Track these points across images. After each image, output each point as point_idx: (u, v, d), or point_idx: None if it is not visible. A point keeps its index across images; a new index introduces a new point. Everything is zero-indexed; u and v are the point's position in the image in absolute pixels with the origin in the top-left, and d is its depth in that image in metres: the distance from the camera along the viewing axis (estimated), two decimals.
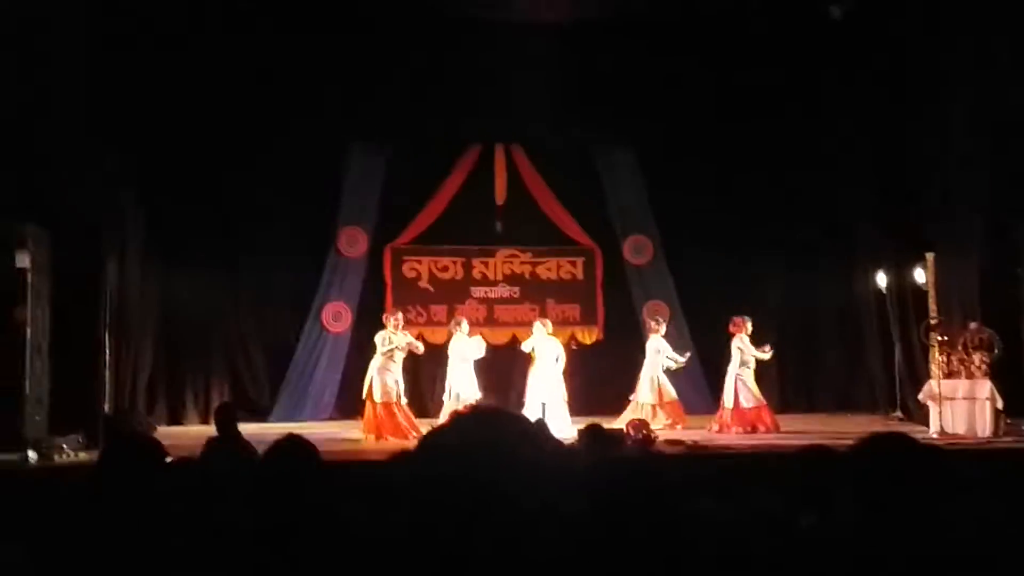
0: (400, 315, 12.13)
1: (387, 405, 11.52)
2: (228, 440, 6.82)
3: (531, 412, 11.17)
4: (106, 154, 11.35)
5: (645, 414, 12.15)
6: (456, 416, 1.48)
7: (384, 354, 11.65)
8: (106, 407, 11.46)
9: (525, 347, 12.45)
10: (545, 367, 12.08)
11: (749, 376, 11.97)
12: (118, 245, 12.46)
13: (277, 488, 3.15)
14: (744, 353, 11.97)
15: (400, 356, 11.75)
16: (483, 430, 1.42)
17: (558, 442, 1.47)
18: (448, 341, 12.53)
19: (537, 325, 12.40)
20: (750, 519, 3.51)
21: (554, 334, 12.53)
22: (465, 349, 12.12)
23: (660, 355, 12.55)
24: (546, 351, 12.17)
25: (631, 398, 12.63)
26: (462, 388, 11.88)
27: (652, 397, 12.47)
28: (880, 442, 2.63)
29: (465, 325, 12.35)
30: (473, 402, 11.08)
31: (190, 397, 14.18)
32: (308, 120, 13.65)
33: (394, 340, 11.68)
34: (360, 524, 2.44)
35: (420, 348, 12.08)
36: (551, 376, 12.05)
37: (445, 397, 12.09)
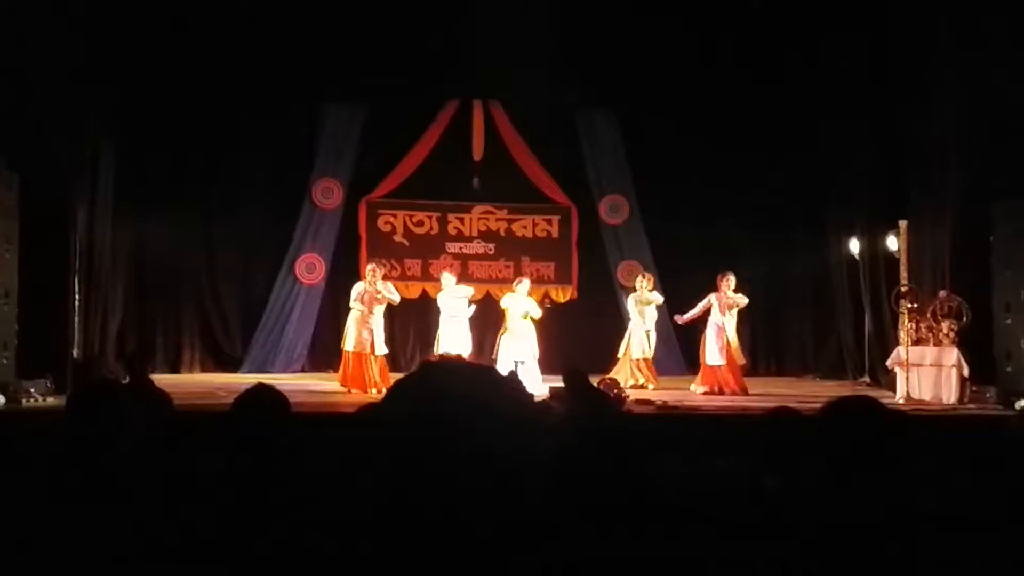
0: (376, 268, 11.91)
1: (358, 356, 11.48)
2: (134, 387, 6.42)
3: (504, 369, 11.19)
4: (80, 100, 11.18)
5: (629, 370, 12.29)
6: (424, 366, 1.47)
7: (357, 307, 11.57)
8: (75, 353, 11.40)
9: (504, 302, 12.45)
10: (519, 325, 12.07)
11: (719, 333, 11.98)
12: (89, 191, 12.31)
13: (246, 437, 3.15)
14: (717, 310, 12.02)
15: (380, 308, 11.67)
16: (450, 380, 1.42)
17: (529, 395, 1.47)
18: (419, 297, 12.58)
19: (526, 283, 12.37)
20: (715, 479, 3.56)
21: (528, 293, 12.54)
22: (452, 305, 12.14)
23: (643, 312, 12.64)
24: (520, 309, 12.16)
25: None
26: (451, 346, 11.89)
27: (641, 352, 12.59)
28: (846, 406, 2.65)
29: (447, 278, 12.37)
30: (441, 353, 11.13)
31: (161, 346, 14.10)
32: (286, 71, 13.49)
33: (370, 291, 11.57)
34: (328, 474, 2.44)
35: (396, 298, 11.98)
36: (526, 334, 12.04)
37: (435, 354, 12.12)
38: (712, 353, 11.98)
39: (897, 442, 2.55)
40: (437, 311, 12.42)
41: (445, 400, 1.37)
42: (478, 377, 1.43)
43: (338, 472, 2.24)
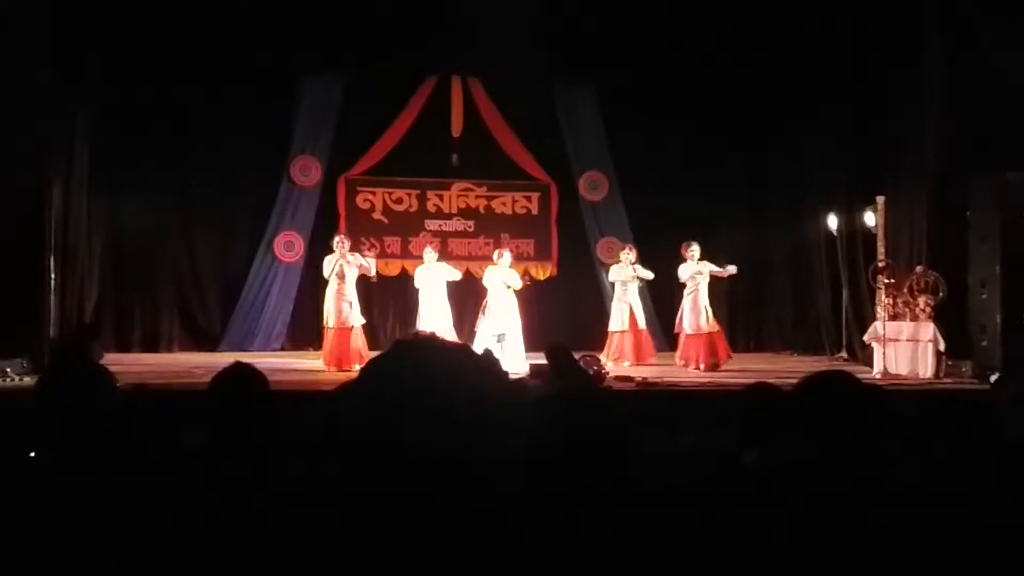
0: (344, 239, 11.85)
1: (340, 331, 11.46)
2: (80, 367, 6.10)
3: (485, 342, 11.33)
4: (56, 76, 11.05)
5: (617, 343, 12.44)
6: (396, 344, 1.47)
7: (334, 280, 11.54)
8: (51, 332, 11.31)
9: (485, 278, 12.46)
10: (500, 299, 12.06)
11: (689, 302, 12.09)
12: (65, 168, 12.19)
13: (224, 415, 3.14)
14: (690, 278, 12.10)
15: (353, 279, 11.61)
16: (423, 358, 1.41)
17: (504, 373, 1.46)
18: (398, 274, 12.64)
19: (507, 255, 12.33)
20: (694, 455, 3.58)
21: (510, 266, 12.56)
22: (429, 279, 12.17)
23: (628, 283, 12.68)
24: (500, 279, 12.16)
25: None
26: (431, 321, 11.92)
27: (620, 324, 12.63)
28: (822, 380, 2.67)
29: (429, 254, 12.45)
30: (416, 331, 11.15)
31: (138, 324, 14.02)
32: (264, 46, 13.38)
33: (344, 264, 11.55)
34: (303, 452, 2.44)
35: (372, 270, 11.96)
36: (507, 308, 12.04)
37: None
38: (686, 323, 12.07)
39: (873, 416, 2.57)
40: (417, 288, 12.42)
41: (417, 379, 1.37)
42: (451, 355, 1.42)
43: (313, 452, 2.24)
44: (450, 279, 12.30)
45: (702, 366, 11.82)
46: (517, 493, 1.43)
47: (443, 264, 12.52)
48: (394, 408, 1.35)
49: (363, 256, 11.94)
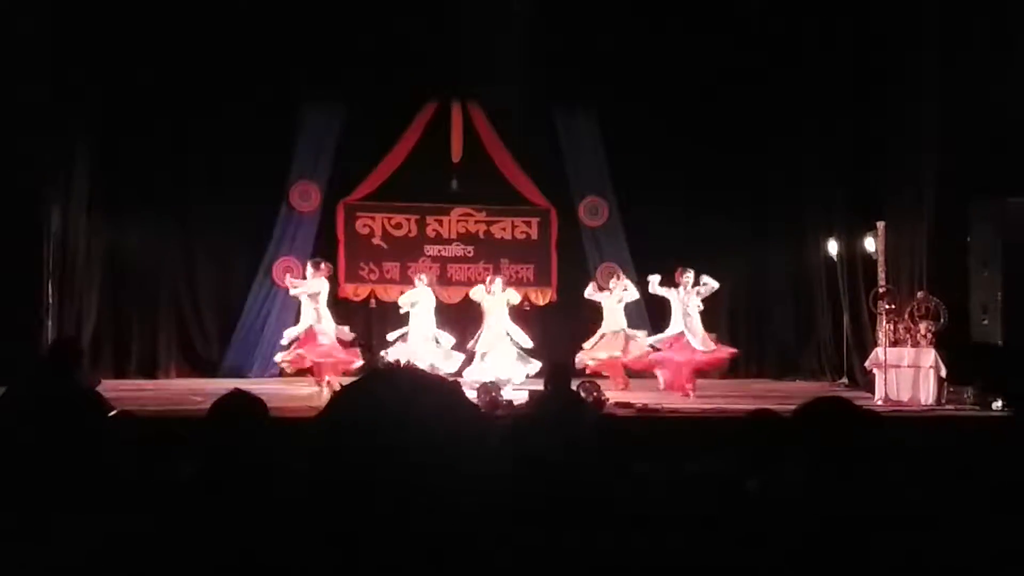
0: (321, 264, 12.16)
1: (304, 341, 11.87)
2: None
3: (503, 360, 12.00)
4: (55, 101, 11.09)
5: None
6: (370, 372, 1.46)
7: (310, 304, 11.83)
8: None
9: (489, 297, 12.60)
10: (504, 318, 12.36)
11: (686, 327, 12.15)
12: (63, 193, 12.21)
13: (222, 442, 3.12)
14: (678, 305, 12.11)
15: (323, 299, 11.92)
16: (393, 388, 1.39)
17: (475, 406, 1.45)
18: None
19: (499, 281, 12.68)
20: (695, 482, 3.55)
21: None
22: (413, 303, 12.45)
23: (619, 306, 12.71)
24: (501, 303, 12.43)
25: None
26: (413, 346, 12.22)
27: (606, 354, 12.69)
28: (818, 407, 2.67)
29: (419, 279, 12.75)
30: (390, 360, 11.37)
31: (136, 350, 13.96)
32: (263, 72, 13.45)
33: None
34: (293, 481, 2.42)
35: (312, 288, 12.13)
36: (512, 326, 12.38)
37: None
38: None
39: (869, 441, 2.55)
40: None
41: (386, 409, 1.35)
42: (422, 386, 1.41)
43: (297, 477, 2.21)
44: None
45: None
46: (480, 521, 1.41)
47: (428, 290, 12.70)
48: (359, 436, 1.33)
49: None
